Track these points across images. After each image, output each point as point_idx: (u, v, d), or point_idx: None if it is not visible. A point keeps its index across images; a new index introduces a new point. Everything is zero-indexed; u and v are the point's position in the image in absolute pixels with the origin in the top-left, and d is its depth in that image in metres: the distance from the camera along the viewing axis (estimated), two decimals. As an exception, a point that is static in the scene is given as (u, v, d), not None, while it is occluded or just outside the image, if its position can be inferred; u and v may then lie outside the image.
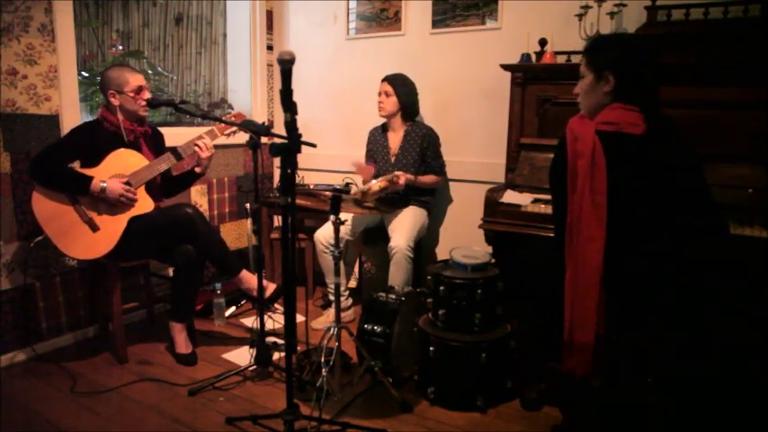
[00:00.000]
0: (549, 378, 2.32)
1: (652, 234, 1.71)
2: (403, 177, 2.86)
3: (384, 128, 3.22)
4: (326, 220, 2.96)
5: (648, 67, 1.77)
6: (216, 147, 2.76)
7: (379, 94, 3.10)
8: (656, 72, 1.80)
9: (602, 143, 1.72)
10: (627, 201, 1.72)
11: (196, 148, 2.61)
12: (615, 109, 1.75)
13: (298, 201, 2.10)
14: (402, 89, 3.06)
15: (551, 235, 2.00)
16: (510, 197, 2.50)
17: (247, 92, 3.89)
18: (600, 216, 1.71)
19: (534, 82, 2.75)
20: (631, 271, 1.73)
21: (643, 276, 1.73)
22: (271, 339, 2.66)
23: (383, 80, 3.09)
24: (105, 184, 2.45)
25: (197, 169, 2.72)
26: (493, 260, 2.43)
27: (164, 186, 2.79)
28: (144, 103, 2.57)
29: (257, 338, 2.49)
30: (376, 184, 2.70)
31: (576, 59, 2.73)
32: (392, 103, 3.07)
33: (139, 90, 2.57)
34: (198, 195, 3.52)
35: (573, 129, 1.79)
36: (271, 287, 2.68)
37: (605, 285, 1.72)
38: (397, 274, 2.82)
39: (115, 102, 2.56)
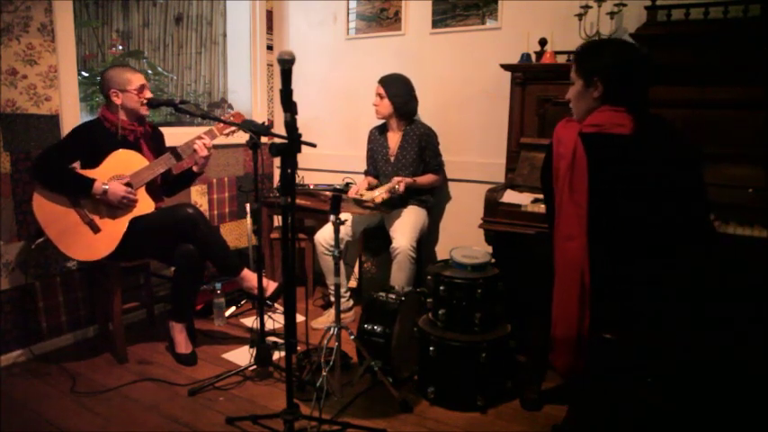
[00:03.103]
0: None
1: (643, 233, 1.72)
2: (403, 184, 2.89)
3: (384, 128, 3.22)
4: (326, 220, 2.97)
5: (637, 70, 1.78)
6: (216, 147, 2.76)
7: (376, 95, 3.10)
8: (646, 73, 1.81)
9: (585, 144, 1.73)
10: (611, 200, 1.73)
11: (195, 147, 2.61)
12: (603, 111, 1.77)
13: (298, 201, 2.10)
14: (394, 91, 3.03)
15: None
16: (510, 197, 2.50)
17: (247, 92, 3.89)
18: (579, 215, 1.72)
19: (534, 82, 2.75)
20: (623, 270, 1.74)
21: (636, 276, 1.74)
22: (271, 339, 2.66)
23: (378, 82, 3.08)
24: (107, 187, 2.45)
25: (195, 168, 2.72)
26: (493, 260, 2.43)
27: (164, 186, 2.79)
28: (145, 101, 2.58)
29: (257, 338, 2.50)
30: (378, 196, 2.73)
31: (576, 59, 2.73)
32: (385, 105, 3.06)
33: (142, 88, 2.59)
34: (198, 195, 3.52)
35: (558, 132, 1.83)
36: (271, 286, 2.68)
37: (592, 284, 1.73)
38: (400, 275, 2.82)
39: (117, 100, 2.56)
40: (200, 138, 2.62)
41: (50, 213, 2.44)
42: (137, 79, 2.58)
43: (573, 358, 1.77)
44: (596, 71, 1.77)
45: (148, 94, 2.61)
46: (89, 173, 2.49)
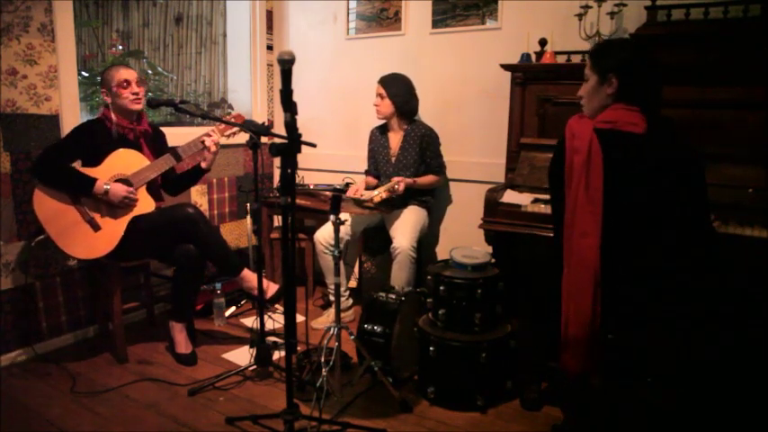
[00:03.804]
0: (549, 377, 2.33)
1: (650, 233, 1.72)
2: (402, 184, 2.89)
3: (384, 128, 3.21)
4: (326, 220, 2.97)
5: (651, 70, 1.79)
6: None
7: (376, 96, 3.10)
8: (658, 74, 1.82)
9: (600, 140, 1.73)
10: (624, 198, 1.73)
11: (207, 143, 2.62)
12: (617, 109, 1.77)
13: (298, 201, 2.10)
14: (394, 90, 3.04)
15: (551, 235, 2.01)
16: (510, 197, 2.50)
17: (247, 92, 3.89)
18: (594, 212, 1.72)
19: (534, 82, 2.74)
20: (628, 269, 1.74)
21: (640, 275, 1.73)
22: (271, 339, 2.66)
23: (378, 82, 3.08)
24: (108, 187, 2.45)
25: (203, 164, 2.72)
26: (493, 260, 2.43)
27: (169, 185, 2.79)
28: (132, 96, 2.56)
29: (257, 338, 2.50)
30: (377, 196, 2.72)
31: (575, 59, 2.73)
32: (386, 105, 3.06)
33: (126, 84, 2.54)
34: (198, 195, 3.52)
35: (571, 127, 1.82)
36: (272, 288, 2.68)
37: (602, 282, 1.72)
38: (400, 275, 2.81)
39: (107, 99, 2.57)
40: (208, 135, 2.62)
41: (51, 211, 2.44)
42: (120, 75, 2.54)
43: (585, 360, 1.76)
44: (612, 68, 1.77)
45: (135, 89, 2.56)
46: (90, 171, 2.50)
